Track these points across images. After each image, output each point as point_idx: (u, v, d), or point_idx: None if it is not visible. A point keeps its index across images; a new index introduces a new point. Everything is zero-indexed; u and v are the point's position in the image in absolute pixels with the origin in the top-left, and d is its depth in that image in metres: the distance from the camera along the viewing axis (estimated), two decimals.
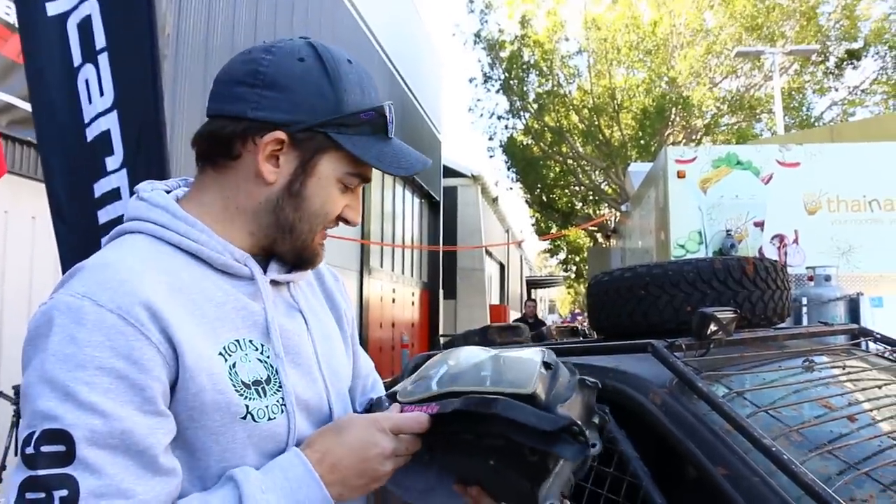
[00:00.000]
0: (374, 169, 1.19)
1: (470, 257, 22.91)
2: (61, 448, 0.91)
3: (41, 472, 0.90)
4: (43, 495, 0.90)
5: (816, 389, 2.13)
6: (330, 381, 1.23)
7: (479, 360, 1.19)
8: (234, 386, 1.06)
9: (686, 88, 22.40)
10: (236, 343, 1.09)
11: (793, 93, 23.02)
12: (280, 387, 1.12)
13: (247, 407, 1.06)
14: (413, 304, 18.90)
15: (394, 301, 16.97)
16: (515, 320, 17.77)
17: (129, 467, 0.94)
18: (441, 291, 21.18)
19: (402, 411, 1.15)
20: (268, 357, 1.12)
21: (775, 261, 2.69)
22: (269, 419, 1.09)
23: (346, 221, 1.22)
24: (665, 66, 22.59)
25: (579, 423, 1.03)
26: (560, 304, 66.94)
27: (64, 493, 0.90)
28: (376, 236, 15.58)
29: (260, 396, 1.09)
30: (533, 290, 41.02)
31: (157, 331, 0.99)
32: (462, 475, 1.20)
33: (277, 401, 1.11)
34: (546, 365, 1.15)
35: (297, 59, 1.13)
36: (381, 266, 16.12)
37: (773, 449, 1.55)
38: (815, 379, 2.18)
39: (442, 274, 21.24)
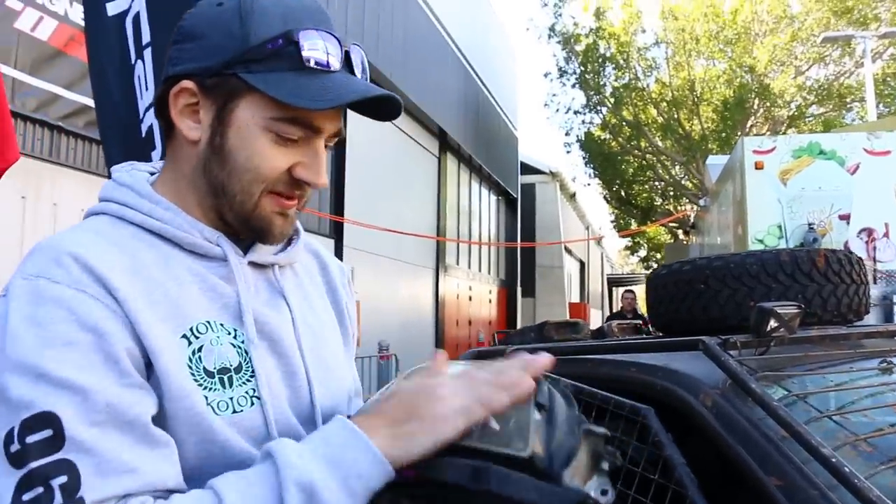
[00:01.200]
0: (318, 114, 1.01)
1: (549, 255, 22.72)
2: (48, 432, 0.82)
3: (34, 465, 0.81)
4: (41, 490, 0.81)
5: (894, 394, 1.94)
6: (314, 373, 1.10)
7: None
8: (193, 374, 0.96)
9: (767, 77, 21.69)
10: (207, 325, 1.00)
11: (888, 79, 22.00)
12: (252, 376, 1.01)
13: (206, 398, 0.95)
14: (490, 301, 18.82)
15: (470, 299, 16.93)
16: (612, 315, 17.45)
17: (125, 443, 0.86)
18: (519, 289, 21.03)
19: None
20: (241, 342, 1.02)
21: (851, 252, 2.49)
22: (234, 412, 0.97)
23: (307, 183, 1.04)
24: (747, 55, 21.91)
25: (592, 495, 0.87)
26: (643, 302, 66.00)
27: (63, 479, 0.81)
28: (452, 234, 15.55)
29: (224, 387, 0.98)
30: (614, 289, 40.45)
31: (116, 305, 0.91)
32: None
33: (247, 392, 1.00)
34: (539, 406, 0.94)
35: (216, 4, 1.03)
36: (458, 263, 16.09)
37: (833, 460, 1.39)
38: (892, 382, 1.99)
39: (520, 271, 21.11)
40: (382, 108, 1.07)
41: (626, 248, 41.79)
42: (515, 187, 20.90)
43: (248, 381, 1.01)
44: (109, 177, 2.43)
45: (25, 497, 0.81)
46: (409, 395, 0.93)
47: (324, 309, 1.23)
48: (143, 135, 2.33)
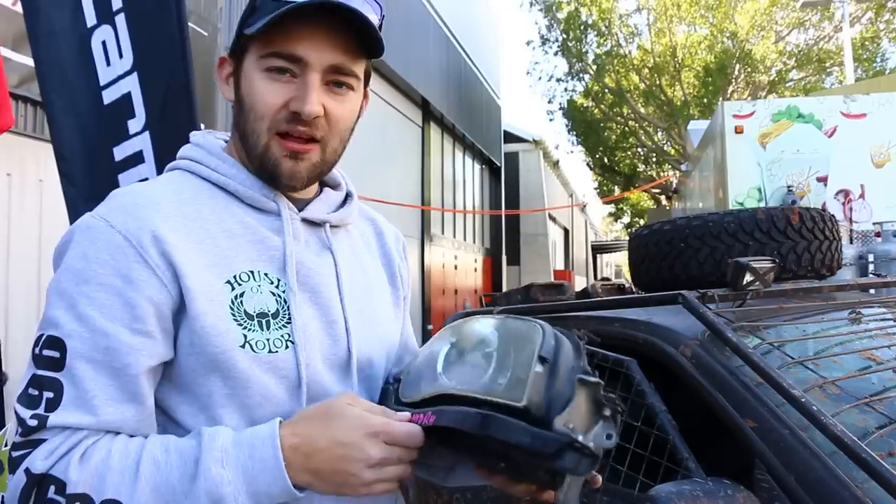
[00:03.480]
0: (306, 50, 1.09)
1: (533, 223, 22.73)
2: (56, 354, 1.00)
3: (39, 372, 1.01)
4: (37, 393, 1.00)
5: (861, 342, 2.04)
6: (354, 324, 1.19)
7: (484, 335, 1.10)
8: (234, 315, 1.07)
9: (748, 42, 21.74)
10: (250, 274, 1.10)
11: (866, 43, 22.09)
12: (289, 321, 1.11)
13: (245, 336, 1.06)
14: (476, 270, 18.87)
15: (456, 268, 16.96)
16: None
17: (108, 387, 1.00)
18: (504, 258, 21.08)
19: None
20: (283, 291, 1.12)
21: (824, 210, 2.59)
22: (270, 352, 1.08)
23: (297, 113, 1.10)
24: (728, 20, 21.93)
25: (579, 438, 0.94)
26: (626, 268, 66.31)
27: (51, 395, 0.99)
28: (437, 203, 15.57)
29: (262, 329, 1.08)
30: (598, 256, 40.58)
31: (158, 255, 1.04)
32: (480, 464, 1.12)
33: (283, 335, 1.10)
34: (542, 360, 1.01)
35: None
36: (443, 233, 16.11)
37: (803, 400, 1.49)
38: (860, 331, 2.09)
39: (505, 240, 21.13)
40: (359, 35, 1.11)
41: (610, 214, 41.89)
42: (499, 156, 20.87)
43: (284, 325, 1.11)
44: (53, 143, 2.39)
45: (29, 391, 1.01)
46: (339, 455, 0.99)
47: (375, 270, 1.34)
48: (106, 102, 2.29)
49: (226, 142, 1.25)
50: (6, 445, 2.77)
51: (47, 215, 5.57)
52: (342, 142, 1.19)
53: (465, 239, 18.05)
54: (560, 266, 27.32)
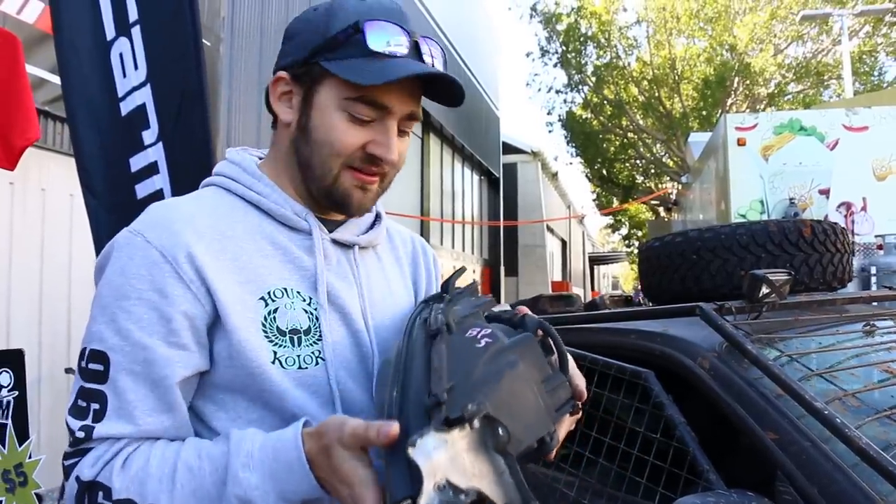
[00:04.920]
0: (392, 103, 1.13)
1: (531, 234, 22.74)
2: (100, 367, 1.05)
3: (86, 385, 1.06)
4: (85, 404, 1.05)
5: (877, 354, 2.04)
6: (379, 346, 1.21)
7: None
8: (266, 331, 1.09)
9: (748, 56, 21.81)
10: (283, 291, 1.13)
11: (864, 56, 22.17)
12: (320, 338, 1.13)
13: (274, 353, 1.09)
14: (474, 281, 18.85)
15: None
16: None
17: (147, 398, 1.05)
18: (502, 268, 21.09)
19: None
20: (314, 309, 1.14)
21: (835, 223, 2.59)
22: (300, 368, 1.10)
23: (379, 158, 1.14)
24: (727, 33, 22.01)
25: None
26: (623, 280, 66.39)
27: (97, 406, 1.04)
28: (436, 214, 15.57)
29: (293, 345, 1.11)
30: (596, 267, 40.57)
31: (192, 271, 1.07)
32: None
33: (313, 352, 1.12)
34: (395, 385, 0.90)
35: (314, 9, 1.17)
36: (442, 244, 16.11)
37: (826, 412, 1.49)
38: (875, 343, 2.10)
39: (503, 251, 21.14)
40: (448, 92, 1.17)
41: (608, 226, 41.90)
42: (498, 167, 20.90)
43: (315, 342, 1.13)
44: (75, 154, 2.40)
45: (79, 402, 1.06)
46: (337, 464, 0.91)
47: (402, 291, 1.36)
48: (124, 114, 2.29)
49: (260, 158, 1.28)
50: (30, 457, 2.78)
51: (49, 224, 5.55)
52: (397, 172, 1.23)
53: (463, 249, 18.05)
54: (557, 277, 27.32)
